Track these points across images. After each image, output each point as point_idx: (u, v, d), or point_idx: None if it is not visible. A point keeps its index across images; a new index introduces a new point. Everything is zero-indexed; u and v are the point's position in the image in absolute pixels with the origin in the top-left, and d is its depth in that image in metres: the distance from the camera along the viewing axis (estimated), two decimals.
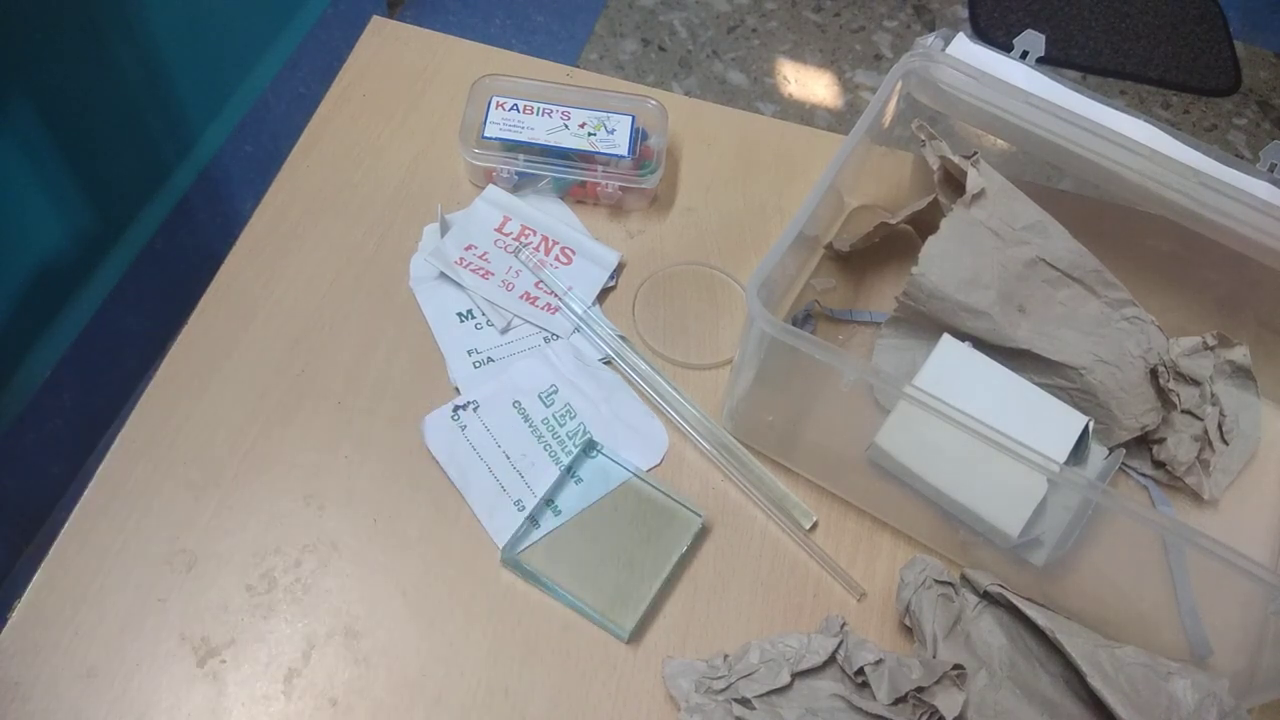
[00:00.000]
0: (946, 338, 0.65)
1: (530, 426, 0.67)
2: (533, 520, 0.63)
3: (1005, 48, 0.67)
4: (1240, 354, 0.68)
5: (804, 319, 0.71)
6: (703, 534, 0.64)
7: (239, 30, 1.36)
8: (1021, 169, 0.68)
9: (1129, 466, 0.68)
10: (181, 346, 0.69)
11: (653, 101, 0.78)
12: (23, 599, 0.59)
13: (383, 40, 0.85)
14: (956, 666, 0.55)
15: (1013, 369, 0.64)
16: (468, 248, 0.73)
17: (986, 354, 0.64)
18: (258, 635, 0.59)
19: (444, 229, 0.74)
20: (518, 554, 0.62)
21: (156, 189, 1.28)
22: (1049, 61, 0.66)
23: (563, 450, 0.66)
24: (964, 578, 0.60)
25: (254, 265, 0.72)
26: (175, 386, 0.67)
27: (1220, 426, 0.67)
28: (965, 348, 0.65)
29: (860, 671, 0.55)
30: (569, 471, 0.65)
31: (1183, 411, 0.66)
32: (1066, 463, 0.61)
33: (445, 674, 0.58)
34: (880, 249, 0.75)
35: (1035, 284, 0.65)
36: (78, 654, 0.58)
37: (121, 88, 1.16)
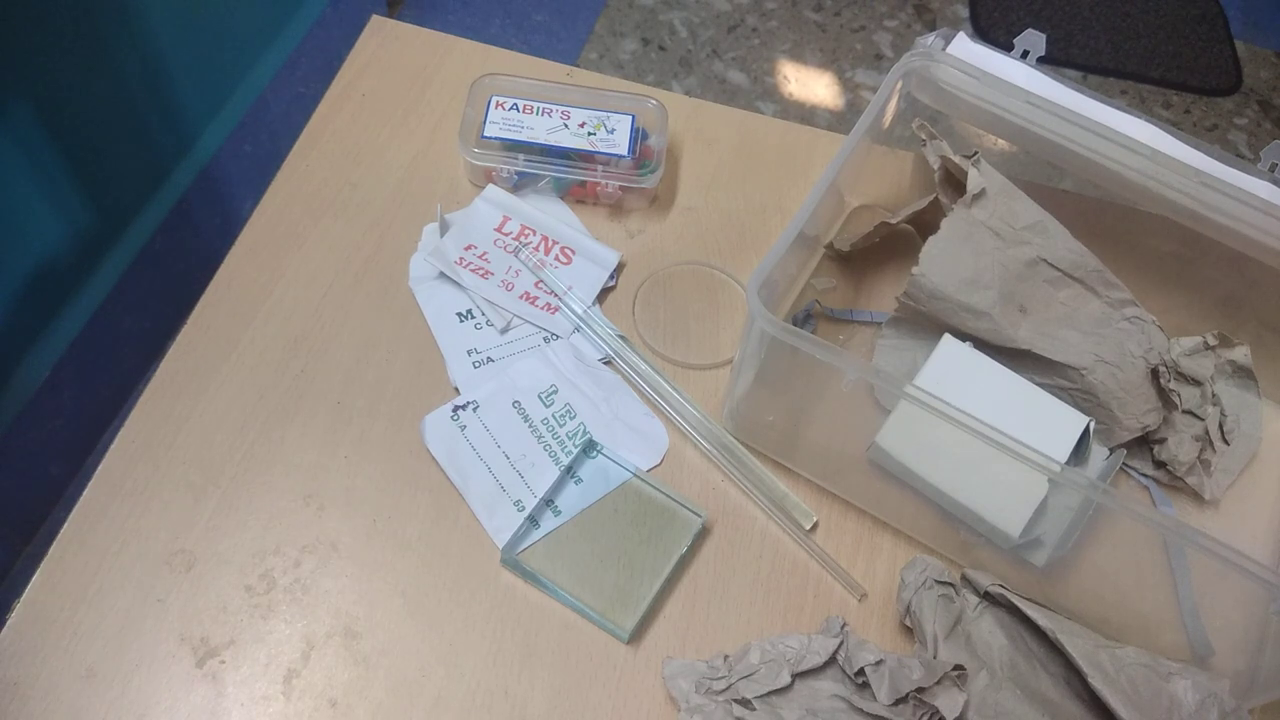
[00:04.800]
0: (947, 338, 0.65)
1: (530, 426, 0.67)
2: (533, 520, 0.63)
3: (1006, 47, 0.67)
4: (1241, 354, 0.68)
5: (804, 319, 0.71)
6: (703, 534, 0.64)
7: (238, 30, 1.36)
8: (1022, 169, 0.68)
9: (1130, 467, 0.67)
10: (181, 346, 0.68)
11: (653, 101, 0.78)
12: (22, 599, 0.59)
13: (382, 40, 0.85)
14: (957, 667, 0.55)
15: (1013, 369, 0.64)
16: (467, 247, 0.73)
17: (987, 354, 0.64)
18: (257, 636, 0.59)
19: (443, 229, 0.74)
20: (517, 554, 0.62)
21: (156, 189, 1.28)
22: (1050, 61, 0.66)
23: (563, 450, 0.66)
24: (965, 578, 0.60)
25: (253, 265, 0.72)
26: (175, 386, 0.67)
27: (1221, 426, 0.67)
28: (966, 348, 0.64)
29: (861, 672, 0.55)
30: (569, 471, 0.65)
31: (1184, 412, 0.66)
32: (1067, 463, 0.61)
33: (445, 674, 0.58)
34: (880, 249, 0.74)
35: (1036, 284, 0.65)
36: (77, 654, 0.57)
37: (121, 88, 1.16)
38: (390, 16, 0.88)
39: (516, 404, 0.67)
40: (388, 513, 0.63)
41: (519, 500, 0.64)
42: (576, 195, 0.77)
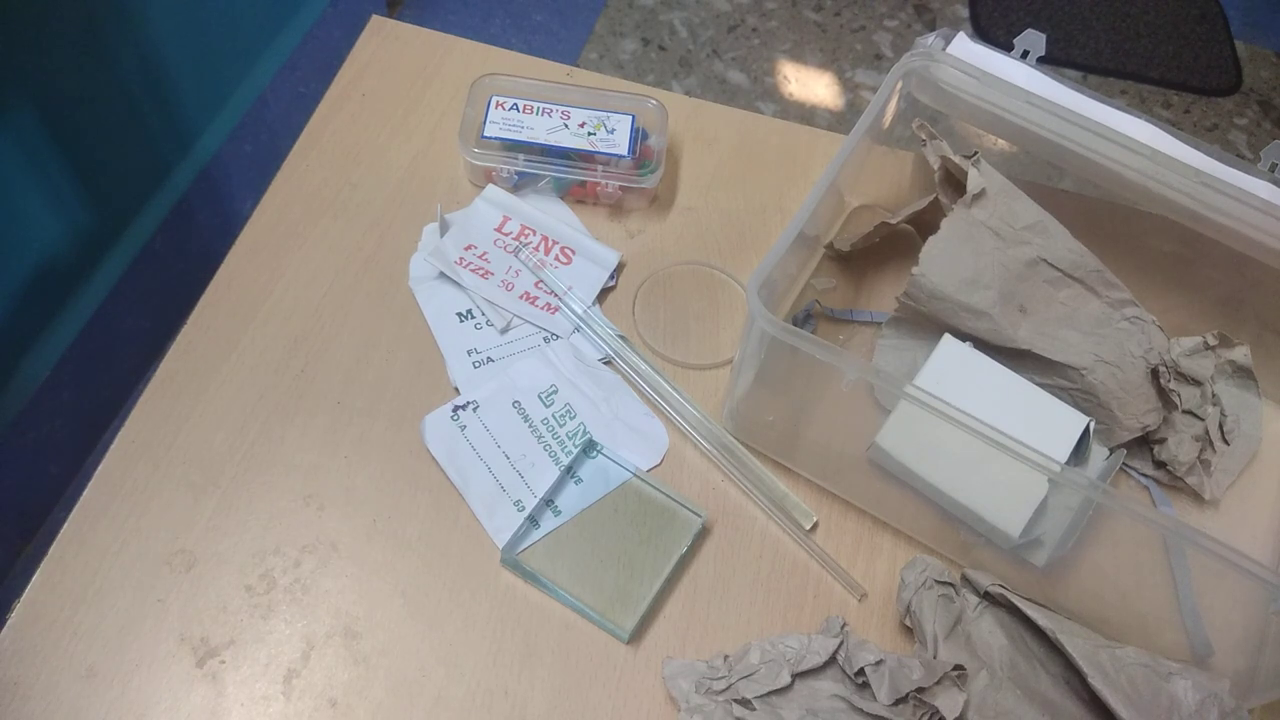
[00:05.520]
0: (947, 338, 0.65)
1: (530, 426, 0.67)
2: (532, 520, 0.63)
3: (1006, 47, 0.67)
4: (1241, 354, 0.68)
5: (804, 319, 0.71)
6: (703, 534, 0.64)
7: (239, 30, 1.35)
8: (1022, 169, 0.68)
9: (1130, 467, 0.67)
10: (181, 346, 0.68)
11: (653, 101, 0.78)
12: (22, 599, 0.59)
13: (382, 40, 0.85)
14: (957, 667, 0.55)
15: (1013, 369, 0.64)
16: (467, 247, 0.73)
17: (987, 354, 0.64)
18: (257, 636, 0.59)
19: (443, 229, 0.74)
20: (517, 554, 0.62)
21: (156, 189, 1.28)
22: (1050, 61, 0.66)
23: (563, 450, 0.66)
24: (965, 578, 0.60)
25: (254, 265, 0.72)
26: (175, 386, 0.67)
27: (1221, 427, 0.67)
28: (966, 348, 0.64)
29: (861, 672, 0.55)
30: (569, 471, 0.65)
31: (1184, 412, 0.66)
32: (1067, 463, 0.61)
33: (445, 674, 0.58)
34: (880, 249, 0.74)
35: (1036, 284, 0.65)
36: (77, 654, 0.57)
37: (121, 88, 1.16)
38: (390, 16, 0.88)
39: (516, 404, 0.67)
40: (388, 513, 0.63)
41: (519, 500, 0.64)
42: (576, 195, 0.77)
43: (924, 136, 0.68)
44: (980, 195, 0.64)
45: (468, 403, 0.67)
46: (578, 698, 0.58)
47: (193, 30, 1.25)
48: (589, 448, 0.66)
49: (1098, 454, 0.66)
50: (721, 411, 0.68)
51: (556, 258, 0.74)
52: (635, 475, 0.65)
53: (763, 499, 0.65)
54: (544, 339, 0.71)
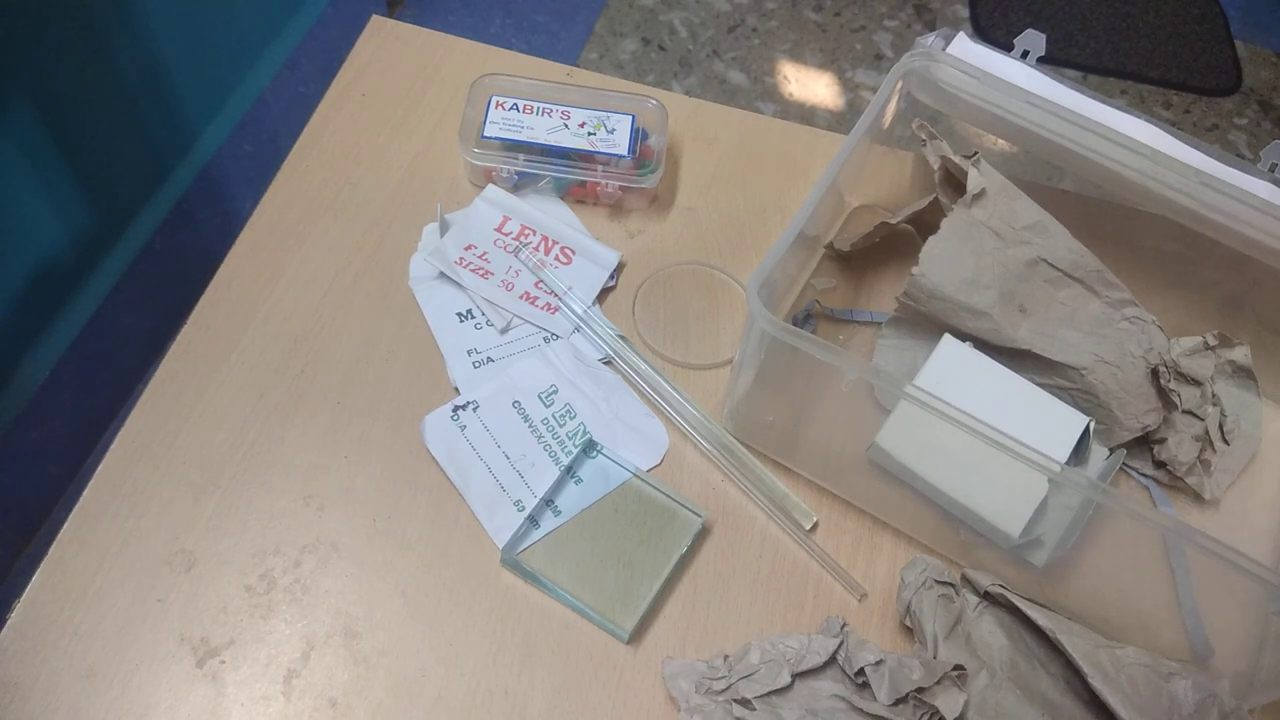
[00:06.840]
0: (947, 338, 0.65)
1: (530, 426, 0.67)
2: (532, 520, 0.63)
3: (1006, 47, 0.67)
4: (1241, 354, 0.68)
5: (804, 319, 0.71)
6: (703, 534, 0.64)
7: (238, 30, 1.36)
8: (1022, 169, 0.68)
9: (1130, 467, 0.67)
10: (181, 346, 0.68)
11: (653, 101, 0.78)
12: (22, 599, 0.59)
13: (382, 40, 0.85)
14: (957, 667, 0.55)
15: (1013, 369, 0.64)
16: (467, 247, 0.73)
17: (987, 354, 0.64)
18: (257, 636, 0.59)
19: (443, 229, 0.74)
20: (517, 554, 0.62)
21: (156, 189, 1.28)
22: (1050, 61, 0.66)
23: (563, 450, 0.66)
24: (965, 578, 0.60)
25: (253, 265, 0.72)
26: (175, 386, 0.67)
27: (1221, 426, 0.67)
28: (966, 348, 0.64)
29: (861, 672, 0.55)
30: (569, 471, 0.65)
31: (1184, 412, 0.66)
32: (1067, 463, 0.61)
33: (445, 674, 0.58)
34: (880, 249, 0.74)
35: (1036, 284, 0.65)
36: (77, 654, 0.57)
37: (121, 88, 1.16)
38: (390, 16, 0.88)
39: (516, 404, 0.67)
40: (388, 513, 0.63)
41: (519, 500, 0.64)
42: (576, 195, 0.77)
43: (924, 136, 0.68)
44: (980, 195, 0.64)
45: (468, 403, 0.67)
46: (578, 698, 0.58)
47: (193, 30, 1.25)
48: (589, 448, 0.66)
49: (1098, 454, 0.66)
50: (721, 411, 0.68)
51: (556, 258, 0.74)
52: (635, 475, 0.65)
53: (763, 499, 0.65)
54: (544, 339, 0.71)
